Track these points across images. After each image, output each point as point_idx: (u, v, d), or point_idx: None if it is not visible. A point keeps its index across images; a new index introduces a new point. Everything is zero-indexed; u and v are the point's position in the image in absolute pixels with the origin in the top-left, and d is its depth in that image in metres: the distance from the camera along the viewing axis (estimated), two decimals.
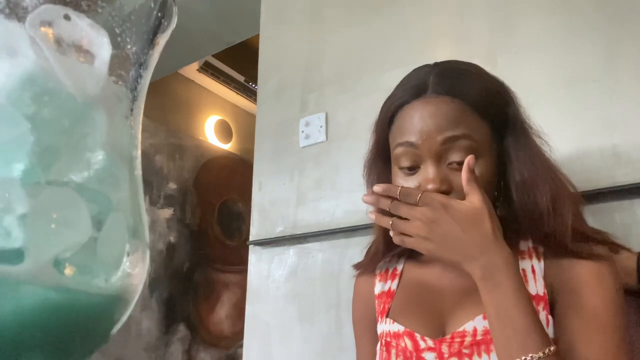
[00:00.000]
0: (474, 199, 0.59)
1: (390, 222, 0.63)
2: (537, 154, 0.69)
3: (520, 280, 0.57)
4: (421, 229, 0.59)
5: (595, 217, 0.91)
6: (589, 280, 0.62)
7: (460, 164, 0.64)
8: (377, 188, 0.63)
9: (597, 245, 0.64)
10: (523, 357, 0.54)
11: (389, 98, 0.74)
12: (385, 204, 0.63)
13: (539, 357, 0.53)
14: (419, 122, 0.67)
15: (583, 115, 1.00)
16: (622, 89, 0.97)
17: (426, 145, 0.65)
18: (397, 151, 0.69)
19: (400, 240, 0.62)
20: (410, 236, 0.61)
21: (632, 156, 0.93)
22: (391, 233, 0.64)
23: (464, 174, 0.60)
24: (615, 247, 0.66)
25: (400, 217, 0.62)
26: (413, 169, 0.68)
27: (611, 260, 0.63)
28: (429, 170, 0.66)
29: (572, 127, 1.00)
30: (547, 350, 0.54)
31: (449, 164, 0.65)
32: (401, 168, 0.69)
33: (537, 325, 0.55)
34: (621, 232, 0.89)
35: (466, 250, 0.58)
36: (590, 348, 0.58)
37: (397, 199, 0.62)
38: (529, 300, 0.56)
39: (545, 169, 0.68)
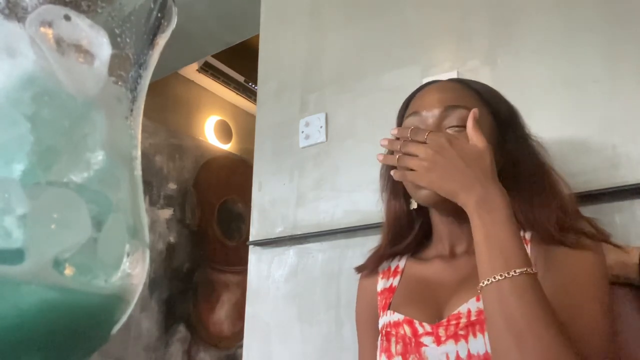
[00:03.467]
0: (478, 142, 0.64)
1: (397, 157, 0.66)
2: (537, 152, 0.76)
3: (512, 213, 0.60)
4: (425, 161, 0.63)
5: (595, 218, 0.91)
6: (573, 262, 0.63)
7: (460, 127, 0.70)
8: (394, 131, 0.69)
9: (585, 237, 0.66)
10: (506, 272, 0.55)
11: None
12: (397, 145, 0.67)
13: (522, 272, 0.55)
14: (426, 96, 0.75)
15: (583, 115, 1.00)
16: (622, 89, 0.97)
17: (430, 113, 0.73)
18: (405, 122, 0.76)
19: (402, 175, 0.66)
20: (414, 170, 0.64)
21: (632, 156, 0.93)
22: (393, 173, 0.67)
23: (469, 121, 0.65)
24: (602, 235, 0.67)
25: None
26: None
27: (598, 250, 0.65)
28: (429, 125, 0.72)
29: (572, 128, 1.00)
30: (529, 268, 0.55)
31: (449, 128, 0.71)
32: None
33: (522, 248, 0.57)
34: (621, 232, 0.89)
35: (465, 181, 0.61)
36: (574, 312, 0.59)
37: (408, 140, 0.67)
38: (518, 229, 0.59)
39: (541, 166, 0.74)
